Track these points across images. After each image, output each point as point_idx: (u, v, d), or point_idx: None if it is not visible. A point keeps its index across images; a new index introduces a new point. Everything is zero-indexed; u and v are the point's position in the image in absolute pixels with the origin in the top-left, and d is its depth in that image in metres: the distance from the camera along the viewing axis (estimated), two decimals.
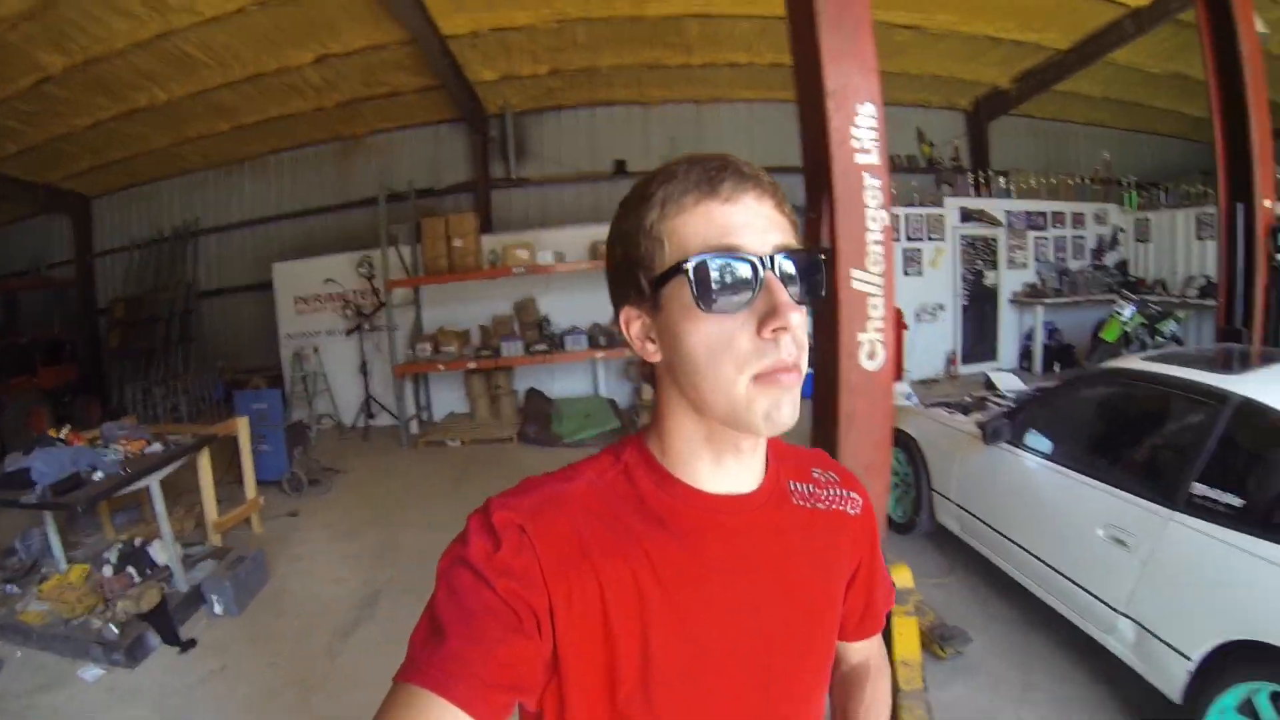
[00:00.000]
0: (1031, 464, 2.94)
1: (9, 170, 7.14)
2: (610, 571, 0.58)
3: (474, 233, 6.91)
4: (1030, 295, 7.99)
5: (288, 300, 7.69)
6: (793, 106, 2.29)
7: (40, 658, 3.09)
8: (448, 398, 7.61)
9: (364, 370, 7.32)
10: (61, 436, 3.62)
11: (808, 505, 0.71)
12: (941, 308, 7.82)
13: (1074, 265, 8.26)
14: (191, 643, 3.14)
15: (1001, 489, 3.15)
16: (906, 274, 7.37)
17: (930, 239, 7.64)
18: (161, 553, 3.59)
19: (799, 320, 0.56)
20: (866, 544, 0.77)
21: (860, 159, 2.11)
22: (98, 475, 3.35)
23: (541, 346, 6.81)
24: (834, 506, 0.73)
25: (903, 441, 3.79)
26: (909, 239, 7.50)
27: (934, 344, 7.81)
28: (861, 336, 2.22)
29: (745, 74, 7.23)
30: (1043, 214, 8.14)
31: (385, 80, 6.71)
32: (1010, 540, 3.00)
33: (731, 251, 0.57)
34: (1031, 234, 8.11)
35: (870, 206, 2.14)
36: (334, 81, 6.58)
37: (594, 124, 8.25)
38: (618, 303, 0.65)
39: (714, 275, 0.56)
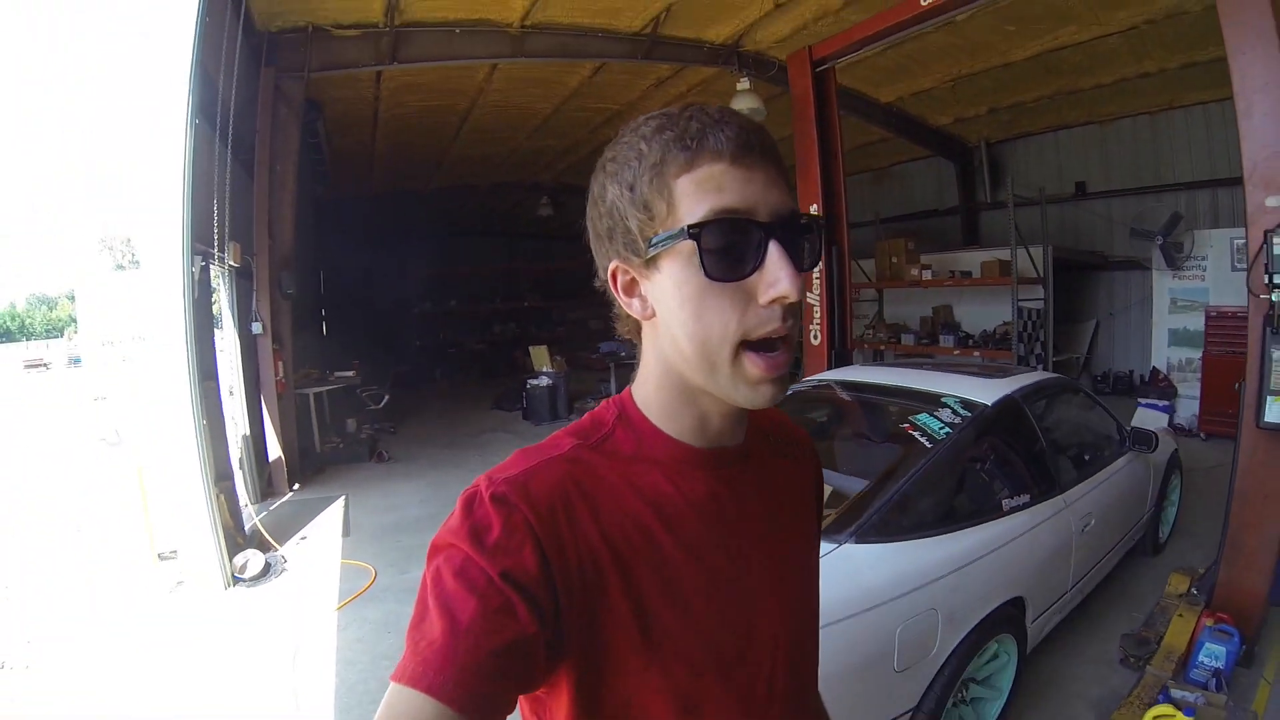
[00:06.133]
0: None
1: None
2: (615, 526, 0.57)
3: (904, 252, 8.90)
4: None
5: None
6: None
7: None
8: None
9: None
10: None
11: (780, 456, 0.73)
12: None
13: None
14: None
15: None
16: None
17: None
18: None
19: (800, 289, 0.55)
20: (818, 484, 0.78)
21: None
22: None
23: (925, 340, 8.32)
24: (791, 454, 0.75)
25: None
26: None
27: None
28: (811, 326, 4.20)
29: (1164, 80, 6.46)
30: None
31: None
32: None
33: (741, 216, 0.54)
34: None
35: None
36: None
37: (1058, 146, 8.53)
38: (604, 255, 0.61)
39: (722, 242, 0.53)
